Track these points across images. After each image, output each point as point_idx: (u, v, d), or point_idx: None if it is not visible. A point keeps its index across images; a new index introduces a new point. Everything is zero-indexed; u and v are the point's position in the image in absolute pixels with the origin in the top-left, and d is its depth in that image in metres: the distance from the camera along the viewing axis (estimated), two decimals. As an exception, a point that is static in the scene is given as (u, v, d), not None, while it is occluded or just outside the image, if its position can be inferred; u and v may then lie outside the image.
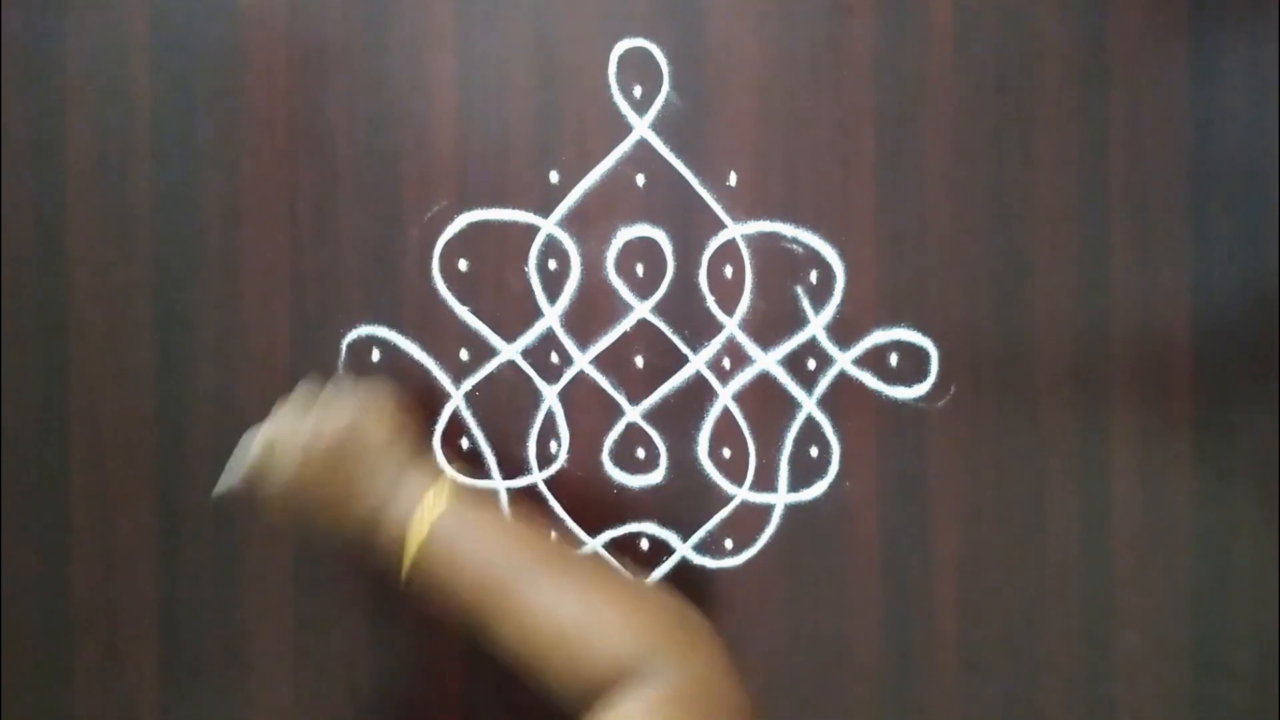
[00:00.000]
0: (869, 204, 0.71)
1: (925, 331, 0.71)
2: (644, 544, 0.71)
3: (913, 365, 0.71)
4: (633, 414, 0.71)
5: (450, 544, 0.57)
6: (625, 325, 0.70)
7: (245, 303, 0.70)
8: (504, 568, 0.55)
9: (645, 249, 0.70)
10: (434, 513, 0.57)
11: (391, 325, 0.70)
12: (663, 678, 0.50)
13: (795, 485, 0.71)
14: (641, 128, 0.70)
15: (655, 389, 0.71)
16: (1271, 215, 0.71)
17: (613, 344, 0.70)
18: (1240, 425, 0.72)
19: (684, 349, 0.71)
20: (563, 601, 0.54)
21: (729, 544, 0.71)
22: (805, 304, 0.71)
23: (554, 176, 0.70)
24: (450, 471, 0.61)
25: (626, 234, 0.70)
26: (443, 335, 0.70)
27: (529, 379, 0.70)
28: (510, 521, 0.60)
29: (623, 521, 0.71)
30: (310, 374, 0.70)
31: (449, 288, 0.70)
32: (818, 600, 0.71)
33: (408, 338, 0.70)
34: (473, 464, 0.69)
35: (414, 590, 0.57)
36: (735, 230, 0.70)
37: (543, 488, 0.71)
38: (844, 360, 0.71)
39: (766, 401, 0.71)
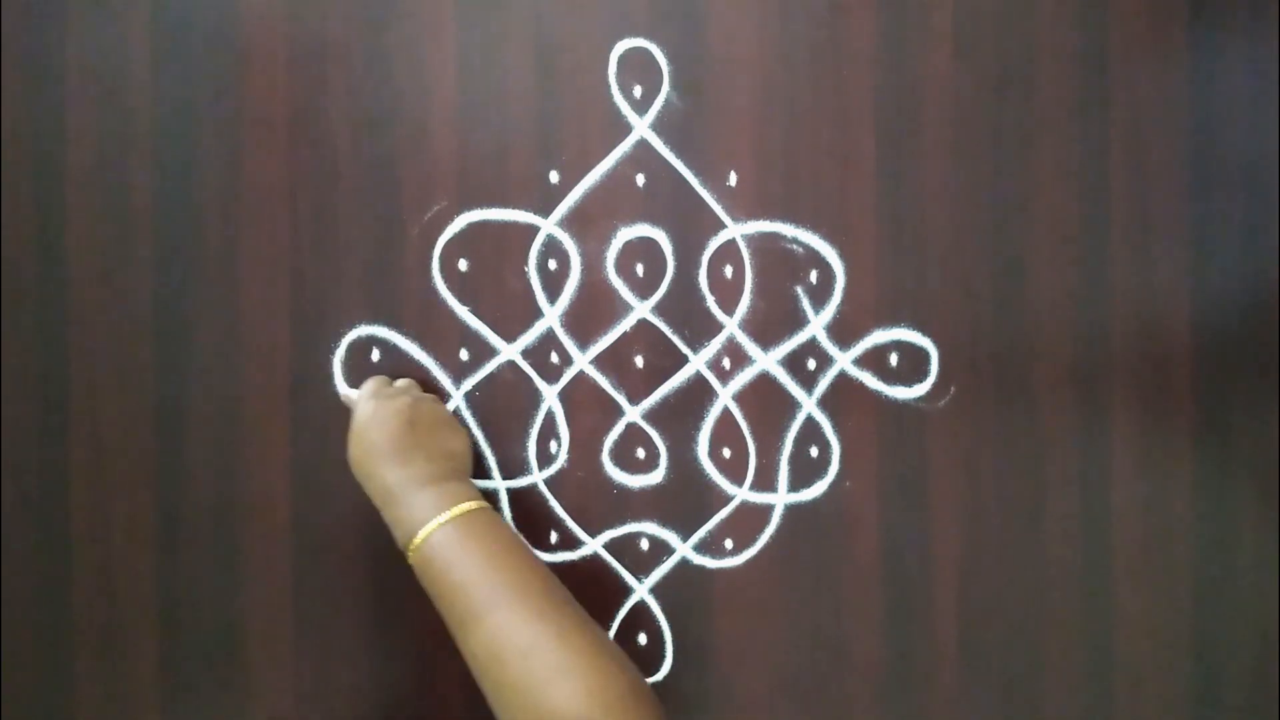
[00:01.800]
0: (869, 204, 0.71)
1: (925, 331, 0.71)
2: (644, 544, 0.71)
3: (913, 365, 0.71)
4: (633, 414, 0.71)
5: (433, 557, 0.58)
6: (625, 325, 0.70)
7: (245, 303, 0.70)
8: (476, 599, 0.56)
9: (645, 249, 0.70)
10: (435, 524, 0.58)
11: (391, 325, 0.70)
12: None
13: (795, 485, 0.71)
14: (641, 128, 0.70)
15: (655, 389, 0.71)
16: (1271, 215, 0.71)
17: (613, 344, 0.70)
18: (1240, 425, 0.72)
19: (684, 349, 0.71)
20: (523, 647, 0.54)
21: (729, 544, 0.71)
22: (805, 304, 0.71)
23: (554, 176, 0.70)
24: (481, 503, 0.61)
25: (626, 234, 0.70)
26: (443, 335, 0.70)
27: (529, 379, 0.70)
28: (508, 556, 0.58)
29: (623, 521, 0.71)
30: (310, 374, 0.70)
31: (449, 288, 0.70)
32: (818, 600, 0.71)
33: (408, 338, 0.70)
34: (473, 464, 0.69)
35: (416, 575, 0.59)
36: (735, 230, 0.70)
37: (543, 488, 0.71)
38: (844, 360, 0.71)
39: (766, 401, 0.71)
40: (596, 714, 0.51)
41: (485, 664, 0.55)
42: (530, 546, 0.61)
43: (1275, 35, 0.71)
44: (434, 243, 0.70)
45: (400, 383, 0.68)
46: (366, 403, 0.64)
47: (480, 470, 0.70)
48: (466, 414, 0.70)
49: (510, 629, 0.55)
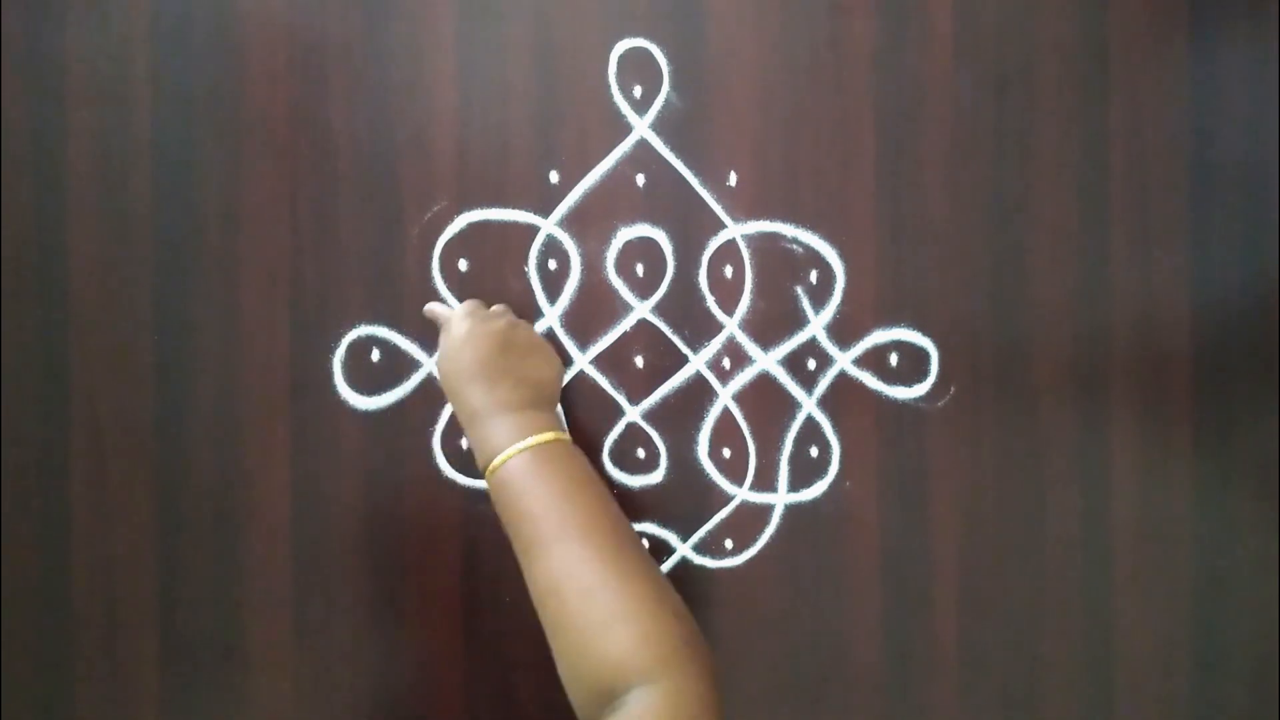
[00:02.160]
0: (869, 204, 0.71)
1: (925, 331, 0.71)
2: (644, 544, 0.71)
3: (913, 365, 0.71)
4: (633, 414, 0.71)
5: (507, 482, 0.58)
6: (625, 325, 0.70)
7: (245, 303, 0.70)
8: (544, 530, 0.56)
9: (645, 249, 0.70)
10: (513, 450, 0.59)
11: (391, 325, 0.70)
12: (661, 691, 0.51)
13: (795, 485, 0.71)
14: (641, 128, 0.70)
15: (655, 389, 0.71)
16: (1271, 215, 0.72)
17: (613, 344, 0.70)
18: (1240, 425, 0.72)
19: (684, 349, 0.71)
20: (584, 586, 0.54)
21: (729, 544, 0.71)
22: (805, 304, 0.71)
23: (554, 176, 0.70)
24: (566, 436, 0.61)
25: (626, 234, 0.70)
26: (443, 335, 0.70)
27: (529, 379, 0.70)
28: (580, 490, 0.58)
29: (623, 521, 0.71)
30: (310, 374, 0.70)
31: (449, 288, 0.70)
32: (818, 600, 0.71)
33: (408, 338, 0.70)
34: (472, 464, 0.69)
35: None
36: (735, 230, 0.70)
37: (543, 488, 0.70)
38: (844, 360, 0.71)
39: (766, 401, 0.71)
40: (650, 663, 0.51)
41: (546, 597, 0.55)
42: (602, 483, 0.60)
43: (1275, 35, 0.71)
44: (434, 243, 0.70)
45: (497, 307, 0.68)
46: (462, 321, 0.64)
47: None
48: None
49: (573, 566, 0.55)
